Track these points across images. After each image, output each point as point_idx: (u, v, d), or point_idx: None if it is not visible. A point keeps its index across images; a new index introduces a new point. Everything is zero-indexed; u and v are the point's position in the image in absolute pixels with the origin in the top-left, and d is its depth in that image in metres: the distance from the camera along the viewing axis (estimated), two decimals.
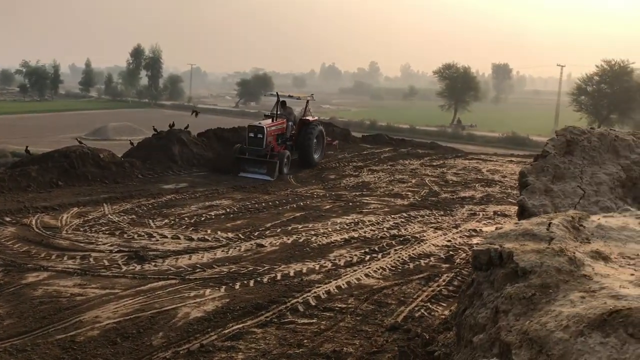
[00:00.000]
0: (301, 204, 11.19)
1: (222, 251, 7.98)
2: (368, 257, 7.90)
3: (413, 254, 8.11)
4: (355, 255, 7.97)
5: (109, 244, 8.10)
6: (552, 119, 64.79)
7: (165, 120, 19.29)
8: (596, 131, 6.16)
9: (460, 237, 9.14)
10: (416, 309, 6.15)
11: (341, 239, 8.78)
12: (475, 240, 8.63)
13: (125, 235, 8.55)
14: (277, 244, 8.42)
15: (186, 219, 9.66)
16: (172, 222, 9.42)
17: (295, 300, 6.23)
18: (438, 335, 5.17)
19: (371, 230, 9.34)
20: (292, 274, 7.12)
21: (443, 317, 5.85)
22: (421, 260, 7.81)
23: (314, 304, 6.19)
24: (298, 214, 10.31)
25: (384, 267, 7.51)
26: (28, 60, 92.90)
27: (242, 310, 5.91)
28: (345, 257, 7.87)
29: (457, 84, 65.69)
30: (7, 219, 9.03)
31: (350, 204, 11.38)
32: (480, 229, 9.60)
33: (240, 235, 8.79)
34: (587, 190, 5.42)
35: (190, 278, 6.86)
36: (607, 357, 2.25)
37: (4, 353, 4.89)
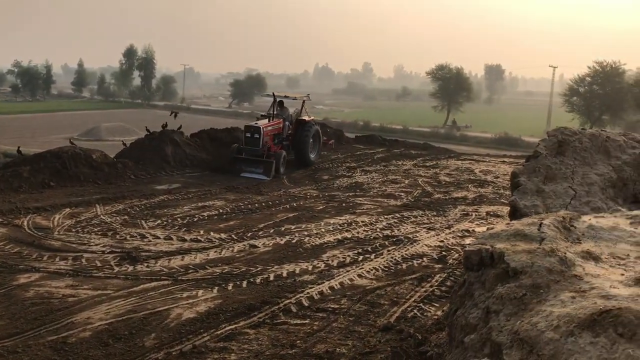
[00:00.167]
0: (294, 204, 11.19)
1: (215, 252, 7.97)
2: (361, 257, 7.91)
3: (406, 254, 8.13)
4: (348, 255, 7.98)
5: (101, 245, 8.07)
6: (545, 119, 65.04)
7: (158, 120, 19.22)
8: (587, 132, 6.19)
9: (452, 237, 9.16)
10: (409, 309, 6.17)
11: (334, 239, 8.78)
12: (467, 241, 8.65)
13: (117, 236, 8.52)
14: (270, 244, 8.42)
15: (179, 219, 9.64)
16: (165, 222, 9.39)
17: (288, 301, 6.23)
18: (431, 335, 5.18)
19: (364, 230, 9.35)
20: (285, 274, 7.12)
21: (436, 317, 5.86)
22: (414, 261, 7.84)
23: (306, 304, 6.19)
24: (291, 215, 10.31)
25: (377, 267, 7.53)
26: (20, 61, 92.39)
27: (234, 311, 5.91)
28: (338, 257, 7.88)
29: (450, 85, 65.75)
30: None
31: (344, 204, 11.39)
32: (473, 230, 9.63)
33: (233, 236, 8.78)
34: (578, 191, 5.44)
35: (182, 279, 6.84)
36: (597, 357, 2.26)
37: None
